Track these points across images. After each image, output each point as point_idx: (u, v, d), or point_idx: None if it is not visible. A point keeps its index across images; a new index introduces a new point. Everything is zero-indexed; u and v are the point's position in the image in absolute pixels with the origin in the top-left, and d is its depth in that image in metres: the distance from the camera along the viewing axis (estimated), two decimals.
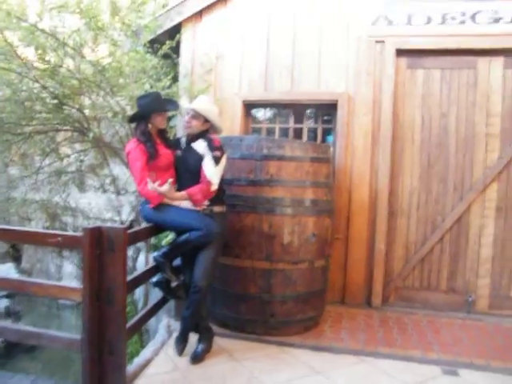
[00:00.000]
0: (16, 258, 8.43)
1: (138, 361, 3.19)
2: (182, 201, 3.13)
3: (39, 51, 4.11)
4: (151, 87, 4.49)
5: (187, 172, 3.21)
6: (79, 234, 2.49)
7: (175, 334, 3.62)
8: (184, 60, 4.94)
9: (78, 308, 2.38)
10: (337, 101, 4.61)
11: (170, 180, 2.98)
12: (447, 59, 4.50)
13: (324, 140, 4.90)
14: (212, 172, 3.11)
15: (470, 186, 4.48)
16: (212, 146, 3.16)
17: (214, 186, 3.13)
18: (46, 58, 4.17)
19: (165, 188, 2.95)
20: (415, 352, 3.50)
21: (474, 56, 4.43)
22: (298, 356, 3.40)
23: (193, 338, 3.39)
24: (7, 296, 6.86)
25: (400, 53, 4.52)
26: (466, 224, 4.51)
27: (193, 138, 3.26)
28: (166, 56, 4.72)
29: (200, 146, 3.20)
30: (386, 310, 4.54)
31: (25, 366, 5.79)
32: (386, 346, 3.60)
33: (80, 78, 4.32)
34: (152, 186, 2.91)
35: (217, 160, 3.13)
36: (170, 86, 4.60)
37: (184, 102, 3.38)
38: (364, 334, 3.84)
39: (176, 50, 4.83)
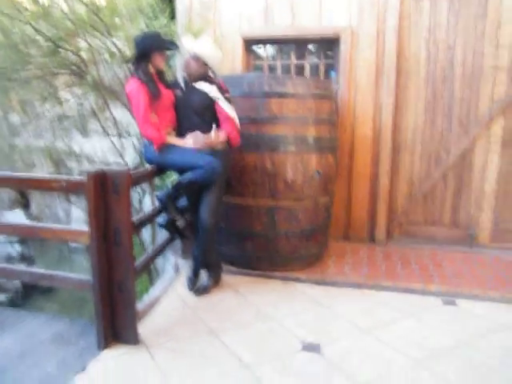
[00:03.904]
0: (25, 205, 8.56)
1: (147, 298, 3.32)
2: (187, 141, 3.16)
3: None
4: (147, 26, 4.38)
5: (191, 110, 3.23)
6: (83, 178, 2.51)
7: (183, 272, 3.75)
8: None
9: (88, 250, 2.46)
10: (339, 35, 4.47)
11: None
12: None
13: (327, 76, 4.80)
14: (233, 111, 3.26)
15: (476, 120, 4.42)
16: (222, 89, 3.24)
17: (238, 122, 3.28)
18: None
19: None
20: (417, 285, 3.60)
21: None
22: (303, 290, 3.52)
23: (203, 274, 3.53)
24: (20, 242, 7.04)
25: None
26: (471, 159, 4.50)
27: (194, 78, 3.25)
28: None
29: (205, 86, 3.22)
30: (390, 245, 4.63)
31: (42, 306, 6.05)
32: (389, 280, 3.70)
33: (74, 19, 4.20)
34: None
35: (229, 101, 3.27)
36: (167, 25, 4.48)
37: (185, 41, 3.30)
38: (367, 269, 3.94)
39: None
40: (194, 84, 3.25)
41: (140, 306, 3.09)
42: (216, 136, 3.16)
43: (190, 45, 3.21)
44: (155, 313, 3.12)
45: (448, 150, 4.53)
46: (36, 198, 8.54)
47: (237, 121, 3.27)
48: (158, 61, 3.14)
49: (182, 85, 3.31)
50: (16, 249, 7.00)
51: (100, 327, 2.63)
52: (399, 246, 4.61)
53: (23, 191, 8.17)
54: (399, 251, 4.44)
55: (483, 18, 4.30)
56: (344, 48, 4.48)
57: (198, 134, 3.16)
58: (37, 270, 3.43)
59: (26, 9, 4.12)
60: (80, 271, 6.74)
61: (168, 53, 3.42)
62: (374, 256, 4.29)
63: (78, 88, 5.29)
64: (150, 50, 3.07)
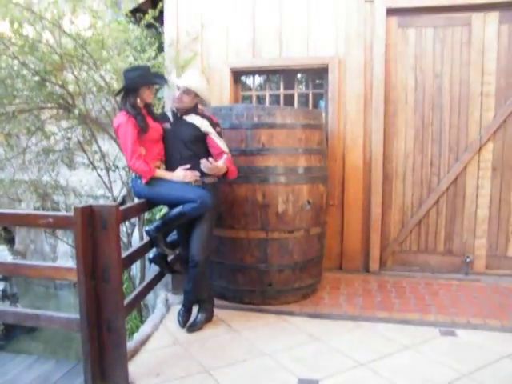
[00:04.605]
0: (9, 240, 8.46)
1: (137, 336, 3.25)
2: (177, 174, 3.17)
3: (15, 25, 4.01)
4: (135, 59, 4.44)
5: (181, 143, 3.25)
6: (70, 213, 2.50)
7: (174, 308, 3.71)
8: (168, 29, 4.84)
9: (75, 286, 2.41)
10: (327, 65, 4.56)
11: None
12: (440, 16, 4.44)
13: (316, 105, 4.88)
14: (224, 145, 3.30)
15: (466, 146, 4.49)
16: (213, 123, 3.30)
17: (230, 157, 3.32)
18: (24, 33, 4.08)
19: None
20: (413, 315, 3.58)
21: (468, 12, 4.36)
22: (297, 324, 3.48)
23: (195, 309, 3.48)
24: (3, 278, 6.91)
25: (390, 12, 4.44)
26: (462, 185, 4.55)
27: (185, 111, 3.29)
28: (149, 26, 4.65)
29: (196, 120, 3.26)
30: (384, 274, 4.62)
31: (26, 346, 5.90)
32: (384, 310, 3.68)
33: (61, 52, 4.24)
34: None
35: (221, 135, 3.33)
36: (155, 57, 4.55)
37: (172, 76, 3.37)
38: (362, 299, 3.92)
39: (160, 19, 4.74)
40: (184, 117, 3.29)
41: (130, 344, 3.03)
42: (219, 165, 3.14)
43: (180, 79, 3.25)
44: (146, 351, 3.06)
45: (439, 177, 4.58)
46: (21, 233, 8.46)
47: (228, 152, 3.30)
48: (146, 95, 3.18)
49: (171, 117, 3.34)
50: None
51: (87, 368, 2.56)
52: (393, 274, 4.60)
53: (7, 226, 8.08)
54: (394, 280, 4.42)
55: (468, 45, 4.42)
56: (332, 77, 4.56)
57: (187, 167, 3.18)
58: (21, 309, 3.37)
59: (13, 43, 4.16)
60: (67, 308, 6.64)
61: (156, 86, 3.46)
62: (368, 286, 4.27)
63: (65, 121, 5.31)
64: (137, 84, 3.11)
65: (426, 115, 4.56)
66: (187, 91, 3.21)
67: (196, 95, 3.25)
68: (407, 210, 4.70)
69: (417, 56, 4.53)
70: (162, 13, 4.73)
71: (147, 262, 3.76)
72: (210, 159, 3.08)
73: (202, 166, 3.09)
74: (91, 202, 6.88)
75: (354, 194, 4.64)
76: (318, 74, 4.80)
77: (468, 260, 4.54)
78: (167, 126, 3.30)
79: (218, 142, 3.26)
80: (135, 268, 5.41)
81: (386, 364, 2.85)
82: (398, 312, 3.65)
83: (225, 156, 3.21)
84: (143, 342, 3.17)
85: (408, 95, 4.58)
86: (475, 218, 4.55)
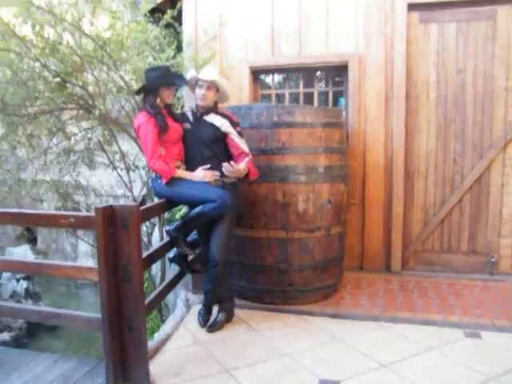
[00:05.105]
0: (31, 240, 8.61)
1: (158, 336, 3.30)
2: (196, 174, 3.20)
3: (37, 28, 4.09)
4: (155, 59, 4.47)
5: (201, 143, 3.28)
6: (91, 213, 2.54)
7: (194, 308, 3.74)
8: (187, 28, 4.88)
9: (97, 285, 2.44)
10: (347, 62, 4.54)
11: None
12: (463, 11, 4.37)
13: (336, 103, 4.86)
14: (245, 145, 3.31)
15: (490, 143, 4.42)
16: (233, 123, 3.31)
17: (251, 157, 3.30)
18: (45, 36, 4.15)
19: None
20: (436, 316, 3.54)
21: (493, 5, 4.29)
22: (318, 324, 3.47)
23: (214, 309, 3.52)
24: (26, 277, 7.05)
25: (412, 7, 4.40)
26: (487, 183, 4.48)
27: (205, 111, 3.30)
28: (168, 26, 4.67)
29: (217, 120, 3.27)
30: (406, 274, 4.58)
31: (48, 344, 6.01)
32: (406, 311, 3.65)
33: (81, 54, 4.30)
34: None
35: (241, 135, 3.33)
36: (174, 57, 4.57)
37: (191, 71, 3.39)
38: (383, 300, 3.90)
39: (178, 18, 4.78)
40: (204, 117, 3.31)
41: (151, 343, 3.07)
42: (240, 168, 3.15)
43: (202, 74, 3.26)
44: (166, 351, 3.10)
45: (462, 175, 4.52)
46: (43, 233, 8.60)
47: (250, 155, 3.30)
48: (166, 95, 3.21)
49: (191, 118, 3.37)
50: (21, 285, 7.00)
51: (109, 367, 2.61)
52: (415, 274, 4.56)
53: (29, 226, 8.23)
54: (416, 280, 4.39)
55: (492, 40, 4.34)
56: (352, 75, 4.54)
57: (207, 167, 3.21)
58: (44, 308, 3.43)
59: (35, 45, 4.23)
60: (88, 307, 6.73)
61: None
62: (390, 286, 4.24)
63: (86, 122, 5.38)
64: (156, 84, 3.15)
65: (448, 112, 4.50)
66: (211, 86, 3.23)
67: (217, 91, 3.27)
68: (430, 209, 4.65)
69: (439, 52, 4.47)
70: (180, 12, 4.76)
71: (167, 262, 3.79)
72: (232, 162, 3.10)
73: (223, 169, 3.11)
74: (111, 201, 6.96)
75: (375, 193, 4.61)
76: (337, 72, 4.78)
77: (493, 260, 4.47)
78: (187, 126, 3.33)
79: (238, 142, 3.28)
80: (155, 267, 5.46)
81: (409, 366, 2.83)
82: (420, 313, 3.62)
83: (246, 158, 3.20)
84: (164, 342, 3.20)
85: (430, 91, 4.52)
86: (500, 216, 4.48)
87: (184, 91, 4.70)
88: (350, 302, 3.86)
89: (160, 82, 3.16)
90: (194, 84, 3.32)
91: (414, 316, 3.56)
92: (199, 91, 3.26)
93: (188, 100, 4.59)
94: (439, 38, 4.46)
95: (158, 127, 3.10)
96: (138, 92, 3.40)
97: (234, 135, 3.27)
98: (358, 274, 4.60)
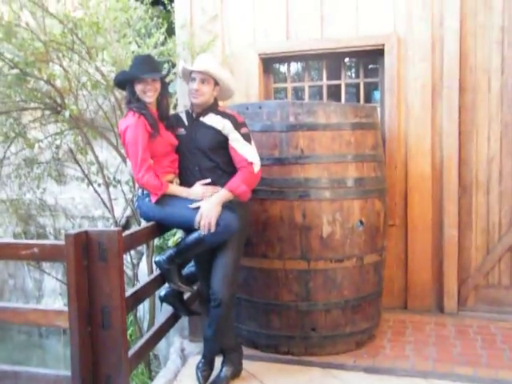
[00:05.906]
0: None
1: None
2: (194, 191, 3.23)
3: None
4: (139, 46, 4.53)
5: (200, 152, 3.29)
6: (61, 242, 2.57)
7: (191, 360, 3.75)
8: (180, 6, 4.93)
9: (66, 333, 2.45)
10: (383, 45, 4.59)
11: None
12: None
13: (369, 98, 4.90)
14: (252, 152, 3.26)
15: None
16: (237, 124, 3.27)
17: (257, 167, 3.25)
18: None
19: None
20: (508, 373, 3.50)
21: None
22: (350, 380, 3.47)
23: (218, 361, 3.50)
24: None
25: None
26: None
27: (202, 111, 3.33)
28: (156, 2, 4.74)
29: (217, 122, 3.28)
30: (465, 316, 4.57)
31: None
32: (467, 365, 3.62)
33: (45, 39, 4.33)
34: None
35: (248, 138, 3.28)
36: (164, 43, 4.63)
37: (181, 62, 3.42)
38: (435, 350, 3.88)
39: None
40: (201, 118, 3.33)
41: None
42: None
43: (193, 64, 3.31)
44: None
45: None
46: None
47: (256, 166, 3.25)
48: (139, 90, 3.20)
49: (185, 120, 3.40)
50: None
51: None
52: (477, 316, 4.54)
53: None
54: (478, 324, 4.37)
55: None
56: (389, 61, 4.59)
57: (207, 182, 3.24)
58: None
59: None
60: (54, 362, 6.71)
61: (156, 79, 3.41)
62: (443, 332, 4.23)
63: (53, 125, 5.44)
64: (126, 78, 3.21)
65: None
66: (206, 78, 3.25)
67: (216, 84, 3.30)
68: (493, 231, 4.64)
69: (504, 28, 4.45)
70: None
71: (158, 302, 3.81)
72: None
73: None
74: (87, 225, 7.00)
75: (421, 211, 4.63)
76: (370, 58, 4.83)
77: None
78: (181, 131, 3.36)
79: (239, 148, 3.24)
80: (143, 309, 5.49)
81: None
82: (486, 368, 3.59)
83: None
84: None
85: (492, 81, 4.53)
86: None
87: (177, 86, 4.75)
88: (391, 353, 3.86)
89: (128, 76, 3.21)
90: (188, 77, 3.37)
91: (478, 372, 3.53)
92: (191, 85, 3.29)
93: (182, 97, 4.64)
94: (505, 9, 4.45)
95: (148, 130, 3.12)
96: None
97: (234, 140, 3.24)
98: (401, 315, 4.60)
